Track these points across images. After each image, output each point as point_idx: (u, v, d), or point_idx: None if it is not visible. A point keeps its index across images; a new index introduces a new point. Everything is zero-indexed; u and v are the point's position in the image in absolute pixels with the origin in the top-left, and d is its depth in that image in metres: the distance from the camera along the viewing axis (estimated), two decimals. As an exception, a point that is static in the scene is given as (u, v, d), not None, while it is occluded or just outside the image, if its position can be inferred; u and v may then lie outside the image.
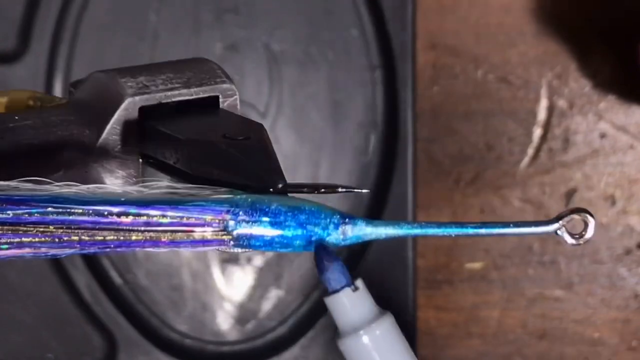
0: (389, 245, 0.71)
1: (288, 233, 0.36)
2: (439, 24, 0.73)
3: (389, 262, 0.70)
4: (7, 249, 0.35)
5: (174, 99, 0.42)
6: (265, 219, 0.36)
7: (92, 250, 0.35)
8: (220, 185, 0.38)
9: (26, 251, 0.35)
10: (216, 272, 0.70)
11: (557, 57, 0.73)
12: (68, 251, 0.35)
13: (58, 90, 0.70)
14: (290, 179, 0.40)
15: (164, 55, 0.70)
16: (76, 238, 0.35)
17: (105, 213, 0.35)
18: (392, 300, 0.71)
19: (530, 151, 0.73)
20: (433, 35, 0.73)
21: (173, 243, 0.36)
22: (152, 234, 0.35)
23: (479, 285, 0.73)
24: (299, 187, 0.39)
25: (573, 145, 0.73)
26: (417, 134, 0.71)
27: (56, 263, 0.69)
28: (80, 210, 0.35)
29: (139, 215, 0.35)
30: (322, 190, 0.41)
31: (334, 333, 0.40)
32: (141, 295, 0.70)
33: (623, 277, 0.73)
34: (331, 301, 0.37)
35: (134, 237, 0.35)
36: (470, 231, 0.38)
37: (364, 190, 0.43)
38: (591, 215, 0.35)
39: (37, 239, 0.35)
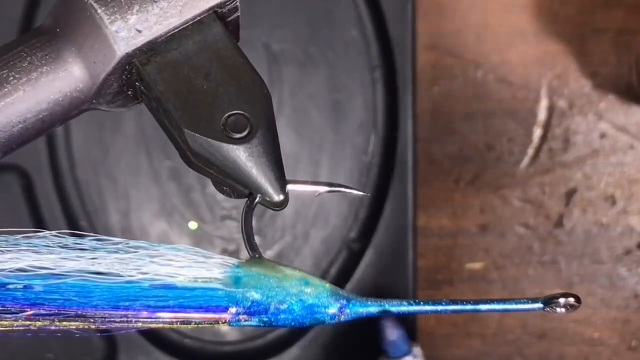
0: (389, 246, 0.71)
1: (286, 323, 0.37)
2: (439, 24, 0.73)
3: (389, 262, 0.70)
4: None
5: (170, 34, 0.39)
6: (264, 318, 0.36)
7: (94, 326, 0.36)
8: (219, 183, 0.38)
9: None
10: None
11: (557, 57, 0.73)
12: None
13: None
14: (290, 178, 0.40)
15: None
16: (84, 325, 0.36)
17: (105, 318, 0.36)
18: (392, 300, 0.71)
19: (530, 151, 0.73)
20: (433, 35, 0.73)
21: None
22: (154, 325, 0.36)
23: (479, 286, 0.73)
24: (300, 185, 0.39)
25: (573, 145, 0.73)
26: (417, 134, 0.71)
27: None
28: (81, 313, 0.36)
29: (135, 317, 0.36)
30: (323, 190, 0.40)
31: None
32: (141, 295, 0.70)
33: (623, 277, 0.73)
34: None
35: (136, 326, 0.36)
36: (468, 307, 0.39)
37: (363, 193, 0.42)
38: (577, 301, 0.36)
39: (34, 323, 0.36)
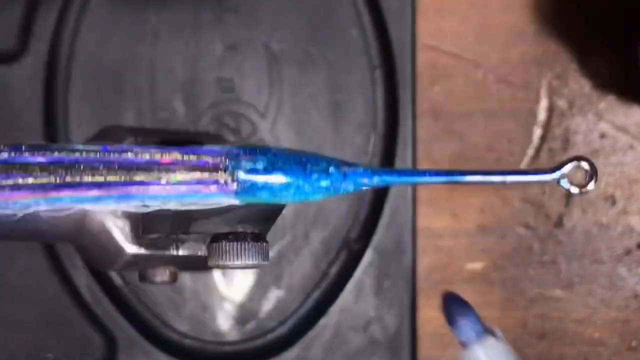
0: (389, 245, 0.71)
1: (289, 178, 0.36)
2: (439, 24, 0.73)
3: (389, 262, 0.70)
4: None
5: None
6: (264, 159, 0.35)
7: (92, 193, 0.34)
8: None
9: (23, 195, 0.34)
10: (216, 272, 0.70)
11: (557, 57, 0.73)
12: (66, 196, 0.34)
13: (58, 91, 0.70)
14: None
15: (164, 55, 0.70)
16: (78, 179, 0.34)
17: (107, 151, 0.34)
18: (393, 300, 0.71)
19: (530, 151, 0.73)
20: (433, 35, 0.73)
21: (173, 186, 0.35)
22: (154, 173, 0.34)
23: (479, 286, 0.73)
24: None
25: (573, 145, 0.73)
26: (417, 134, 0.71)
27: (56, 263, 0.69)
28: (82, 149, 0.34)
29: (142, 153, 0.34)
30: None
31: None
32: (141, 295, 0.70)
33: (623, 277, 0.73)
34: (466, 355, 0.35)
35: (136, 178, 0.34)
36: (466, 179, 0.36)
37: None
38: (593, 164, 0.34)
39: (33, 180, 0.34)
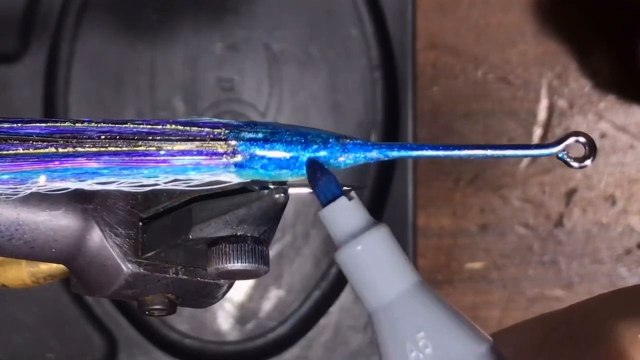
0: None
1: (288, 149, 0.35)
2: (439, 24, 0.73)
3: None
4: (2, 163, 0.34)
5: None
6: (265, 130, 0.35)
7: (92, 164, 0.34)
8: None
9: (24, 167, 0.34)
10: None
11: (557, 57, 0.73)
12: (67, 167, 0.34)
13: (58, 91, 0.70)
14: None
15: (164, 55, 0.70)
16: (81, 149, 0.34)
17: (108, 122, 0.34)
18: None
19: (530, 151, 0.73)
20: (433, 35, 0.73)
21: (173, 155, 0.35)
22: (155, 143, 0.34)
23: (479, 285, 0.73)
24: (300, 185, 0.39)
25: (573, 145, 0.73)
26: (417, 134, 0.71)
27: (56, 263, 0.69)
28: (83, 120, 0.34)
29: (143, 123, 0.34)
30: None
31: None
32: (141, 295, 0.70)
33: (623, 277, 0.73)
34: (326, 213, 0.36)
35: (138, 148, 0.34)
36: (466, 153, 0.37)
37: (362, 186, 0.42)
38: (591, 139, 0.34)
39: (34, 150, 0.34)
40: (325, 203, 0.35)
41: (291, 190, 0.38)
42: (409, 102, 0.70)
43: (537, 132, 0.73)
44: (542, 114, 0.73)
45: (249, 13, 0.70)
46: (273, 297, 0.71)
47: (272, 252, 0.70)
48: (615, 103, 0.73)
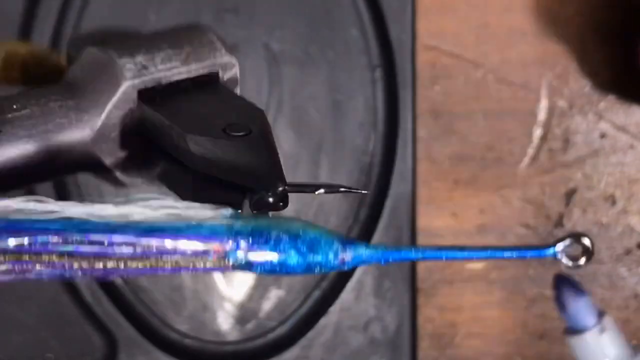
0: (389, 245, 0.70)
1: (288, 261, 0.36)
2: (439, 24, 0.73)
3: (389, 262, 0.70)
4: (9, 273, 0.36)
5: (173, 79, 0.41)
6: (265, 248, 0.36)
7: (93, 274, 0.36)
8: (220, 184, 0.38)
9: (28, 276, 0.36)
10: (216, 273, 0.70)
11: (557, 57, 0.73)
12: (67, 275, 0.36)
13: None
14: (290, 178, 0.40)
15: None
16: (77, 265, 0.36)
17: (106, 243, 0.35)
18: (393, 300, 0.71)
19: (531, 151, 0.73)
20: (433, 35, 0.73)
21: (174, 270, 0.36)
22: (152, 261, 0.35)
23: (479, 285, 0.73)
24: (299, 187, 0.39)
25: (573, 145, 0.73)
26: (417, 134, 0.71)
27: (56, 263, 0.69)
28: (82, 240, 0.35)
29: (140, 245, 0.35)
30: (323, 191, 0.40)
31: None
32: (141, 295, 0.70)
33: (623, 277, 0.73)
34: (576, 341, 0.34)
35: (134, 265, 0.35)
36: (467, 255, 0.38)
37: (363, 191, 0.43)
38: (589, 239, 0.34)
39: (38, 266, 0.36)
40: (574, 331, 0.34)
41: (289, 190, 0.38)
42: (409, 102, 0.70)
43: (537, 132, 0.73)
44: (542, 114, 0.73)
45: (249, 13, 0.70)
46: (273, 297, 0.71)
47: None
48: (615, 103, 0.73)
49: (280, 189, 0.37)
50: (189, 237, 0.35)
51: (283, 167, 0.40)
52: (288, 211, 0.70)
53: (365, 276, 0.70)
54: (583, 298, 0.31)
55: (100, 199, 0.70)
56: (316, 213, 0.70)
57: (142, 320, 0.70)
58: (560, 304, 0.32)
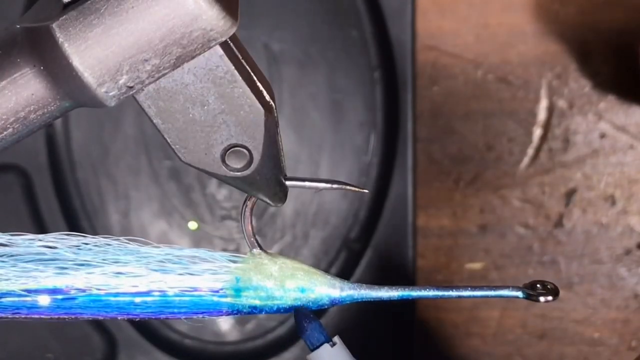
0: (389, 245, 0.71)
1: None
2: (439, 24, 0.73)
3: (389, 262, 0.70)
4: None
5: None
6: (260, 315, 0.42)
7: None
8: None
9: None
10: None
11: (557, 57, 0.73)
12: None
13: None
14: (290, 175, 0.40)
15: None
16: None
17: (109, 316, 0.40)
18: (392, 300, 0.71)
19: (530, 151, 0.73)
20: (433, 35, 0.73)
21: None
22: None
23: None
24: (300, 181, 0.39)
25: (573, 145, 0.73)
26: (417, 134, 0.71)
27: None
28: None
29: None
30: (323, 188, 0.41)
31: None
32: (141, 295, 0.70)
33: (623, 277, 0.73)
34: (313, 358, 0.44)
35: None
36: (454, 294, 0.43)
37: (363, 190, 0.42)
38: (552, 291, 0.38)
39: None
40: (312, 349, 0.44)
41: (289, 183, 0.39)
42: (409, 102, 0.71)
43: (537, 132, 0.73)
44: (542, 114, 0.73)
45: (249, 13, 0.70)
46: (273, 297, 0.71)
47: (272, 252, 0.70)
48: (615, 103, 0.73)
49: (280, 205, 0.40)
50: (187, 313, 0.39)
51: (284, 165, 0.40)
52: (288, 211, 0.70)
53: (365, 276, 0.70)
54: (315, 322, 0.42)
55: (100, 199, 0.70)
56: (316, 213, 0.71)
57: (142, 321, 0.70)
58: (300, 329, 0.43)
